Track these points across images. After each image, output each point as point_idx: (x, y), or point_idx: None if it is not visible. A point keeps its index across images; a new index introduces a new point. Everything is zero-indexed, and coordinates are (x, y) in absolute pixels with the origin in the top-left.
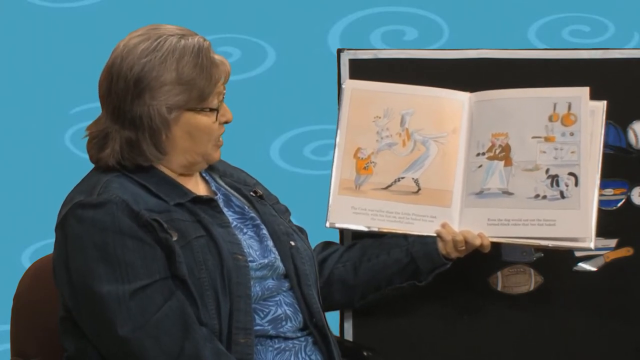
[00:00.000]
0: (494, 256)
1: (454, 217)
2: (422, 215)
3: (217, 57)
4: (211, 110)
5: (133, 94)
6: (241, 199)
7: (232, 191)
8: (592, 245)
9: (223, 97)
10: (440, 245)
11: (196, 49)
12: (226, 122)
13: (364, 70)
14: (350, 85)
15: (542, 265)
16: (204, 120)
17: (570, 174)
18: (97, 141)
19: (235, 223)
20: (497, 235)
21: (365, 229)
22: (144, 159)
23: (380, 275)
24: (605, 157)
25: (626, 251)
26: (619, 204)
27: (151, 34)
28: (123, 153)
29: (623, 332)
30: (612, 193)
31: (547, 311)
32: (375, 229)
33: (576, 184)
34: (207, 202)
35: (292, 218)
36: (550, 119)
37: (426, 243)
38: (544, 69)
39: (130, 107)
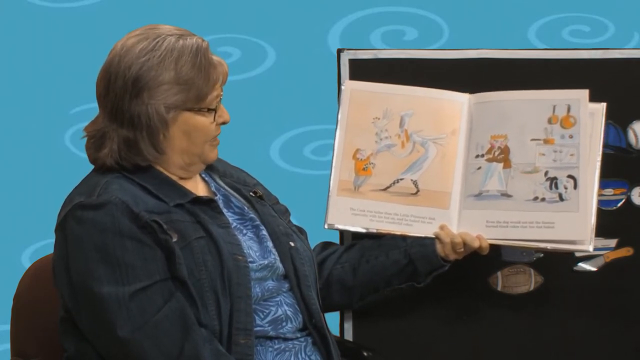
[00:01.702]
0: (494, 256)
1: (453, 219)
2: (421, 217)
3: (215, 57)
4: (209, 110)
5: (131, 93)
6: (241, 199)
7: (231, 192)
8: (590, 248)
9: (220, 99)
10: (438, 247)
11: (194, 49)
12: (223, 123)
13: (364, 70)
14: (350, 86)
15: (542, 265)
16: (202, 120)
17: (569, 176)
18: (94, 141)
19: (234, 224)
20: (496, 237)
21: (364, 231)
22: (141, 158)
23: (379, 276)
24: (605, 157)
25: (626, 251)
26: (619, 204)
27: (149, 33)
28: (121, 153)
29: (623, 332)
30: (612, 193)
31: (547, 311)
32: (374, 231)
33: (575, 187)
34: (207, 203)
35: (292, 218)
36: (550, 121)
37: (424, 245)
38: (544, 69)
39: (129, 107)
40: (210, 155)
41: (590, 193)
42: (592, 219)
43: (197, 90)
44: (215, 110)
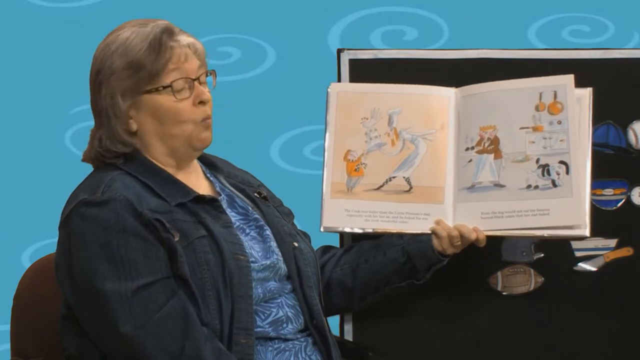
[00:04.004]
0: (494, 256)
1: (448, 213)
2: (416, 214)
3: (180, 37)
4: (164, 88)
5: (95, 90)
6: (245, 199)
7: (236, 192)
8: (587, 233)
9: (199, 78)
10: (435, 242)
11: (147, 31)
12: (202, 103)
13: (364, 70)
14: (335, 89)
15: (542, 265)
16: (162, 100)
17: (561, 162)
18: (88, 142)
19: (237, 224)
20: (492, 228)
21: (360, 231)
22: (122, 146)
23: (378, 275)
24: (605, 157)
25: (626, 251)
26: (619, 204)
27: (114, 30)
28: (101, 143)
29: (623, 332)
30: (612, 193)
31: (547, 311)
32: (370, 230)
33: (567, 172)
34: (210, 202)
35: None
36: (537, 108)
37: (421, 241)
38: (543, 69)
39: (96, 103)
40: (200, 136)
41: (582, 177)
42: (587, 203)
43: (147, 71)
44: (170, 86)
